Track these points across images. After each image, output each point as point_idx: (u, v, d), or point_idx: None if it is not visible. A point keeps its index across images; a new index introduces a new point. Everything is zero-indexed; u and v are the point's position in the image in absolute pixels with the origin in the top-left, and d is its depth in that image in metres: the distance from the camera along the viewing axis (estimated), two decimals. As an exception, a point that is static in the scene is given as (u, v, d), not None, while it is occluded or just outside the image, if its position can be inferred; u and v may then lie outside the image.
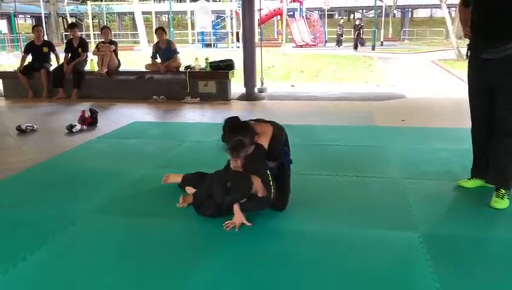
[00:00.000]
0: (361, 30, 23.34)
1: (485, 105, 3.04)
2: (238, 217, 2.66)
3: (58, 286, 2.14)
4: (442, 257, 2.34)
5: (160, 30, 8.14)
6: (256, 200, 2.63)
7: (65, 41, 8.77)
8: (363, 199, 3.13)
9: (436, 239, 2.53)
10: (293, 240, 2.57)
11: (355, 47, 22.64)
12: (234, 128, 2.63)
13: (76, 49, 8.22)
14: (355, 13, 44.03)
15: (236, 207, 2.66)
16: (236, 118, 2.73)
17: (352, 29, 23.35)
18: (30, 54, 8.35)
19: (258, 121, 2.92)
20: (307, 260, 2.35)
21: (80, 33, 8.52)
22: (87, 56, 8.39)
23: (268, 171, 2.67)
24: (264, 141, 2.70)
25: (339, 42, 25.89)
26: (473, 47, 3.03)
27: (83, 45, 8.37)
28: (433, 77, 11.79)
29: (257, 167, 2.64)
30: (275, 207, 2.84)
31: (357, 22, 24.19)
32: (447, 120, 5.87)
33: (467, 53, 3.12)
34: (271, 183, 2.64)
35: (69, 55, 8.22)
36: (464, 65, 13.05)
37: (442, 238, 2.55)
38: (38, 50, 8.27)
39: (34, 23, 32.39)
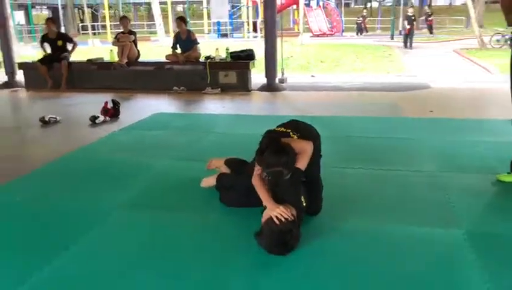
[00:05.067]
0: (414, 23, 17.72)
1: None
2: (272, 208, 2.35)
3: (96, 281, 2.10)
4: (490, 255, 2.23)
5: (180, 20, 8.05)
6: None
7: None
8: (400, 194, 3.01)
9: (482, 237, 2.42)
10: (330, 237, 2.46)
11: (406, 44, 17.47)
12: (276, 153, 2.36)
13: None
14: (372, 2, 43.39)
15: (265, 195, 2.44)
16: (278, 139, 2.49)
17: (406, 21, 17.64)
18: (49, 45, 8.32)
19: (292, 129, 2.69)
20: (346, 260, 2.25)
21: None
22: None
23: (302, 201, 2.47)
24: (303, 163, 2.46)
25: (360, 31, 25.75)
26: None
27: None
28: (455, 67, 11.52)
29: (291, 197, 2.44)
30: (309, 212, 2.64)
31: (410, 13, 17.75)
32: (476, 111, 5.72)
33: (511, 42, 2.97)
34: (302, 215, 2.46)
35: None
36: (488, 54, 12.73)
37: (488, 236, 2.44)
38: (53, 43, 8.23)
39: (50, 15, 32.59)
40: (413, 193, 3.02)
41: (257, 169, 2.52)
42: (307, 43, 18.07)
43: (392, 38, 21.72)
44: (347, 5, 41.91)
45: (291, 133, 2.66)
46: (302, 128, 2.76)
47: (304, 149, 2.50)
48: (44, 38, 8.38)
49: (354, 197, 2.98)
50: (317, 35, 24.06)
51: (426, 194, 3.00)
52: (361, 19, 26.50)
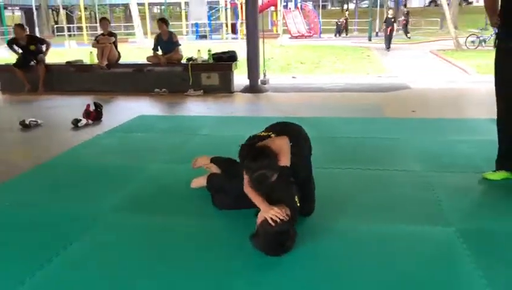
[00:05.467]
0: (394, 25, 17.48)
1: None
2: (266, 210, 2.34)
3: (89, 286, 2.06)
4: (483, 252, 2.28)
5: (162, 22, 7.97)
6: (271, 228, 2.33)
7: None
8: (389, 194, 3.05)
9: (473, 234, 2.46)
10: (323, 238, 2.47)
11: (389, 46, 17.17)
12: (255, 159, 2.38)
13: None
14: (349, 4, 43.81)
15: (258, 198, 2.43)
16: (253, 144, 2.52)
17: (384, 24, 17.71)
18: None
19: (273, 130, 2.70)
20: (340, 260, 2.27)
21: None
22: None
23: (296, 200, 2.47)
24: (285, 160, 2.48)
25: (338, 32, 25.88)
26: (505, 35, 2.94)
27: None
28: (434, 68, 11.71)
29: (285, 197, 2.42)
30: (303, 213, 2.64)
31: (390, 15, 17.60)
32: (457, 111, 5.83)
33: (495, 43, 3.04)
34: (296, 215, 2.47)
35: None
36: (464, 55, 12.97)
37: (479, 232, 2.49)
38: (25, 48, 7.98)
39: (23, 16, 31.88)
40: (402, 192, 3.06)
41: (246, 177, 2.52)
42: (286, 45, 18.13)
43: (369, 39, 21.95)
44: (324, 6, 42.20)
45: (272, 135, 2.65)
46: (289, 130, 2.74)
47: (280, 146, 2.51)
48: (14, 43, 8.10)
49: (344, 198, 3.00)
50: (296, 37, 24.17)
51: (414, 193, 3.05)
52: (342, 20, 26.66)
